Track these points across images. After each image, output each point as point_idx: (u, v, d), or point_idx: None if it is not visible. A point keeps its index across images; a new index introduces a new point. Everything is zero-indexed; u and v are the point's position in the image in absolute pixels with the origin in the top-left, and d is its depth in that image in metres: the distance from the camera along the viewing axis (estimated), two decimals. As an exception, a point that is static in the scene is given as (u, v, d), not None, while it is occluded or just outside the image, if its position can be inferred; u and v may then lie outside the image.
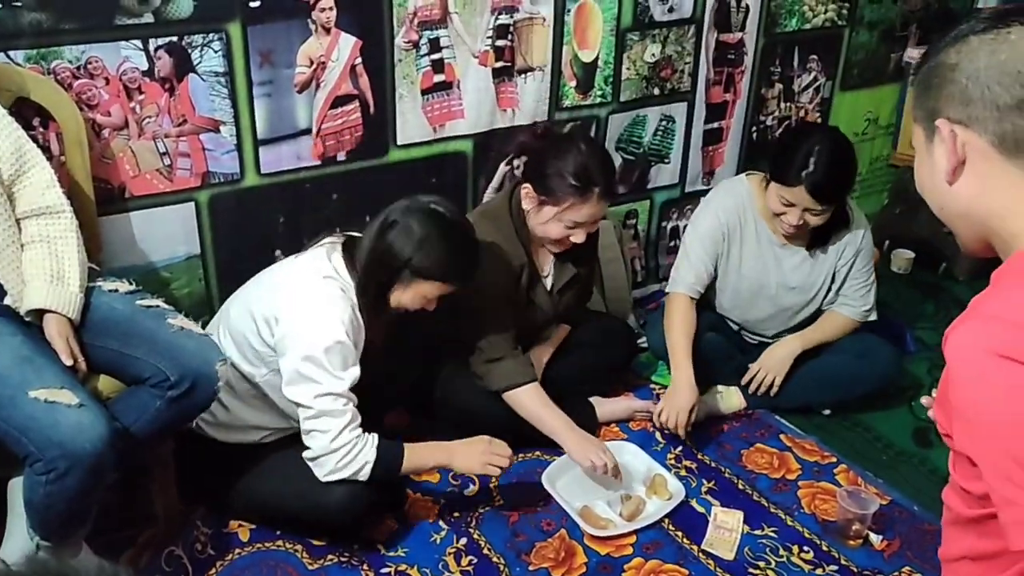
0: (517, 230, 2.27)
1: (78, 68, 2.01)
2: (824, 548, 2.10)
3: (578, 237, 2.21)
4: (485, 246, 2.14)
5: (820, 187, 2.27)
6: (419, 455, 2.01)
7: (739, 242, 2.51)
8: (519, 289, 2.29)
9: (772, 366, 2.54)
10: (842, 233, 2.50)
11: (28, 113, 1.97)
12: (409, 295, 1.96)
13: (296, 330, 1.88)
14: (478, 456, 2.03)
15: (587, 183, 2.13)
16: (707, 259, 2.50)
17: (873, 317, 2.60)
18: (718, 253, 2.51)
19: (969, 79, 0.99)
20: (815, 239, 2.51)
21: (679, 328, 2.45)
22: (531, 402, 2.23)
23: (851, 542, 2.10)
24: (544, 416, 2.22)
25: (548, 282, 2.38)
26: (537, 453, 2.37)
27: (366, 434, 1.92)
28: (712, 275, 2.53)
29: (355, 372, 1.91)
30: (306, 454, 1.91)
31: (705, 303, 2.58)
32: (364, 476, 1.91)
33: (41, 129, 2.01)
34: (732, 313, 2.63)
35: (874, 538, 2.10)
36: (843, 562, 2.05)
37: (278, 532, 2.07)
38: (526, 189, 2.21)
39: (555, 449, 2.33)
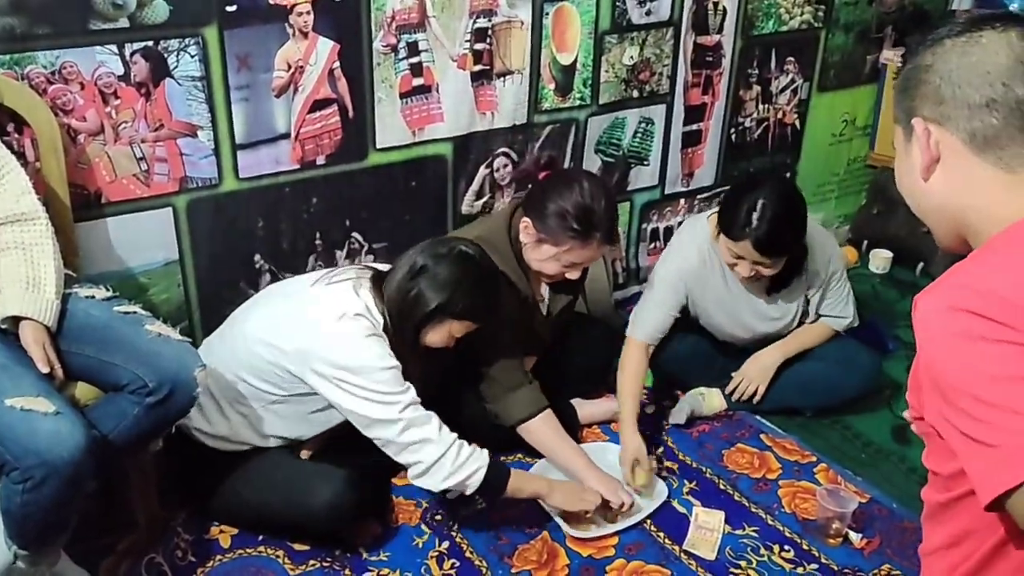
0: (519, 260, 2.25)
1: (52, 73, 1.99)
2: (804, 547, 2.11)
3: (573, 275, 2.21)
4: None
5: (763, 243, 2.24)
6: (522, 479, 2.07)
7: (707, 286, 2.48)
8: (520, 314, 2.27)
9: (755, 376, 2.56)
10: (804, 267, 2.48)
11: (2, 119, 1.95)
12: (439, 335, 1.98)
13: (341, 368, 1.86)
14: (576, 495, 2.10)
15: (588, 228, 2.11)
16: (668, 308, 2.45)
17: (855, 324, 2.62)
18: (681, 301, 2.47)
19: (942, 79, 1.03)
20: (773, 285, 2.49)
21: (630, 376, 2.38)
22: (546, 432, 2.21)
23: (831, 540, 2.11)
24: (561, 449, 2.21)
25: (544, 308, 2.39)
26: (519, 455, 2.37)
27: (472, 444, 1.94)
28: (674, 319, 2.47)
29: (412, 386, 1.92)
30: (413, 472, 1.92)
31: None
32: (474, 484, 1.93)
33: (15, 135, 1.99)
34: (717, 332, 2.63)
35: (854, 536, 2.11)
36: (823, 561, 2.07)
37: (260, 538, 2.06)
38: (525, 224, 2.18)
39: (535, 452, 2.34)
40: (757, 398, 2.56)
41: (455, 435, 1.93)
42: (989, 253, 1.01)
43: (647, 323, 2.44)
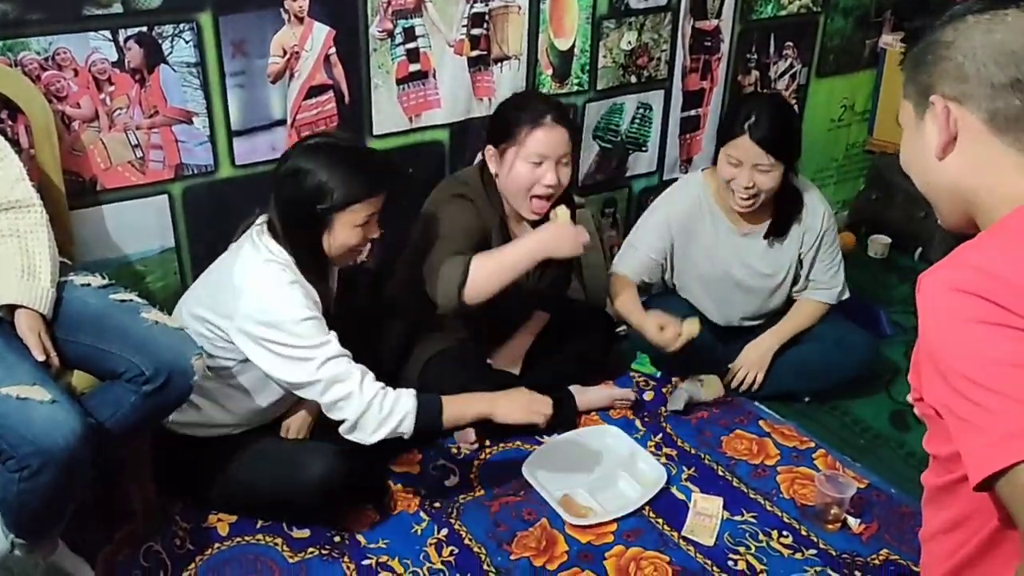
0: (488, 196, 2.28)
1: (46, 59, 1.98)
2: (803, 532, 2.11)
3: (549, 176, 2.20)
4: (450, 197, 2.22)
5: (763, 135, 2.31)
6: (458, 406, 1.99)
7: (696, 235, 2.53)
8: (487, 245, 2.25)
9: (753, 362, 2.56)
10: (799, 218, 2.53)
11: (-4, 106, 1.94)
12: (340, 234, 1.93)
13: (261, 324, 1.86)
14: (523, 404, 2.05)
15: (535, 112, 2.19)
16: (650, 252, 2.54)
17: (846, 295, 2.62)
18: (664, 247, 2.54)
19: (965, 56, 1.02)
20: (772, 225, 2.52)
21: (627, 297, 2.48)
22: (483, 266, 2.10)
23: (829, 526, 2.11)
24: (505, 259, 2.12)
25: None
26: (517, 443, 2.37)
27: (397, 388, 1.91)
28: (656, 268, 2.56)
29: (335, 335, 1.90)
30: (342, 429, 1.89)
31: (672, 293, 2.63)
32: (407, 429, 1.90)
33: (9, 122, 1.98)
34: (704, 303, 2.64)
35: (852, 522, 2.11)
36: (822, 546, 2.07)
37: (259, 525, 2.06)
38: (489, 152, 2.25)
39: (533, 438, 2.34)
40: (756, 386, 2.56)
41: (379, 385, 1.89)
42: (999, 235, 1.01)
43: (631, 261, 2.56)
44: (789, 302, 2.64)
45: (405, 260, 2.32)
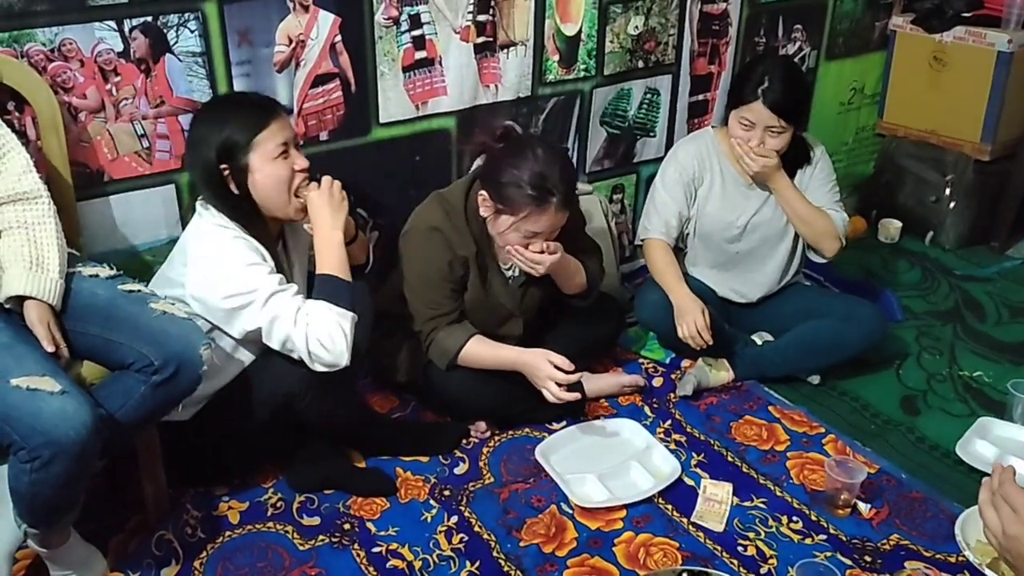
0: (468, 220, 2.24)
1: (52, 51, 1.98)
2: (813, 518, 2.11)
3: (536, 247, 2.19)
4: (426, 231, 2.21)
5: (776, 99, 2.38)
6: (326, 258, 1.98)
7: (705, 184, 2.60)
8: (465, 277, 2.26)
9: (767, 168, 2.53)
10: (803, 168, 2.59)
11: (2, 97, 1.94)
12: (261, 174, 1.94)
13: (206, 282, 1.90)
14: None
15: (544, 193, 2.10)
16: (675, 206, 2.59)
17: (846, 222, 2.61)
18: (687, 198, 2.59)
19: None
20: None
21: (663, 261, 2.57)
22: (481, 351, 2.24)
23: (840, 511, 2.11)
24: (499, 355, 2.25)
25: (510, 274, 2.36)
26: (526, 430, 2.37)
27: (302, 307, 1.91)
28: (683, 221, 2.61)
29: (280, 276, 1.93)
30: (311, 366, 1.90)
31: (684, 272, 2.62)
32: (349, 314, 1.91)
33: (16, 114, 1.98)
34: (711, 275, 2.65)
35: (862, 507, 2.11)
36: (832, 531, 2.07)
37: (269, 513, 2.06)
38: (483, 197, 2.19)
39: (544, 426, 2.35)
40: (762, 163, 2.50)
41: (300, 300, 1.91)
42: None
43: (658, 223, 2.60)
44: (788, 267, 2.66)
45: (397, 276, 2.32)
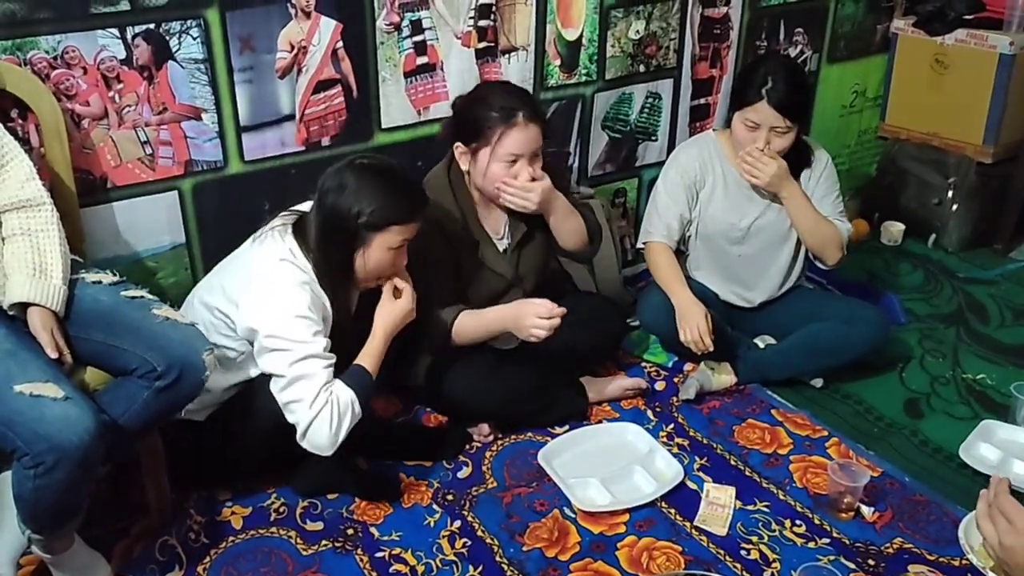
0: (454, 193, 2.27)
1: (55, 58, 1.99)
2: (816, 522, 2.10)
3: (523, 174, 2.20)
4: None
5: (781, 99, 2.38)
6: (371, 355, 2.01)
7: (707, 187, 2.60)
8: (460, 253, 2.27)
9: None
10: (805, 172, 2.59)
11: (5, 105, 1.95)
12: (374, 254, 1.97)
13: (258, 312, 1.90)
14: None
15: (508, 110, 2.16)
16: (676, 209, 2.59)
17: (848, 230, 2.61)
18: (688, 200, 2.59)
19: None
20: None
21: (665, 265, 2.57)
22: (468, 321, 2.22)
23: (843, 515, 2.11)
24: (484, 320, 2.23)
25: (503, 244, 2.37)
26: (529, 435, 2.37)
27: (329, 385, 1.90)
28: (685, 223, 2.61)
29: (326, 341, 1.92)
30: (299, 437, 1.90)
31: (686, 276, 2.61)
32: (359, 414, 1.93)
33: (19, 121, 1.99)
34: (714, 278, 2.65)
35: (866, 510, 2.11)
36: (835, 535, 2.06)
37: (272, 519, 2.07)
38: (459, 150, 2.23)
39: (546, 430, 2.35)
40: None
41: (328, 391, 1.89)
42: None
43: (659, 226, 2.60)
44: (791, 271, 2.65)
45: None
